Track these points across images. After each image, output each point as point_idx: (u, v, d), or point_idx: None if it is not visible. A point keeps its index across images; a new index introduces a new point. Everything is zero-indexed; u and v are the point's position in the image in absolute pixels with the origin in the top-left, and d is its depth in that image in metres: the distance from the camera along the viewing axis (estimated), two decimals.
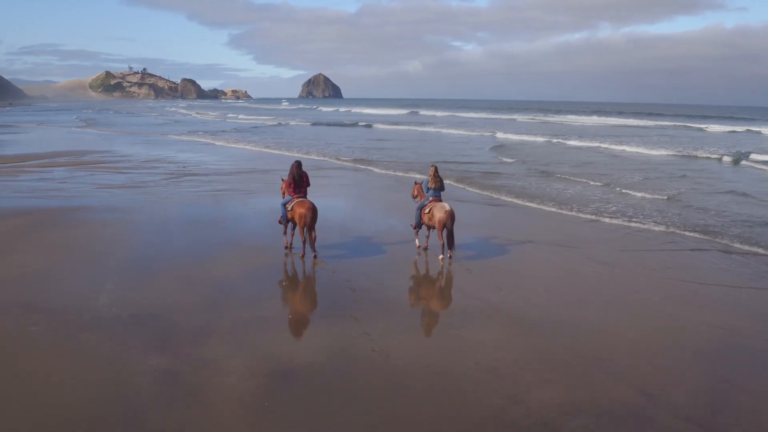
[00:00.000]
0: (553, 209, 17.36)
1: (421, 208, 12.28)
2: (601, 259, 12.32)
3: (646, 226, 15.12)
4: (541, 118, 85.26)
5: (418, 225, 12.49)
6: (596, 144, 40.28)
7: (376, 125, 64.73)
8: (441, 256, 11.88)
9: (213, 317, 8.73)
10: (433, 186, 12.29)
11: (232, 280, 10.50)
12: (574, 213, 16.82)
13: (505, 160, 30.44)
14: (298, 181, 11.84)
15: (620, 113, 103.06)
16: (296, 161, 12.26)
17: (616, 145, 39.41)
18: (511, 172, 25.61)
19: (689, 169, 27.67)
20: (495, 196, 19.66)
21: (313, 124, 67.98)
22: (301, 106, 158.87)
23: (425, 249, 12.54)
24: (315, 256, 11.59)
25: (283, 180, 12.48)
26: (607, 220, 15.91)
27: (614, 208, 17.30)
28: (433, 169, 12.49)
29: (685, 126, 65.69)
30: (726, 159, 31.42)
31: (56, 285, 10.11)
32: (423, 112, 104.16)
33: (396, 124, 66.71)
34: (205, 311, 8.98)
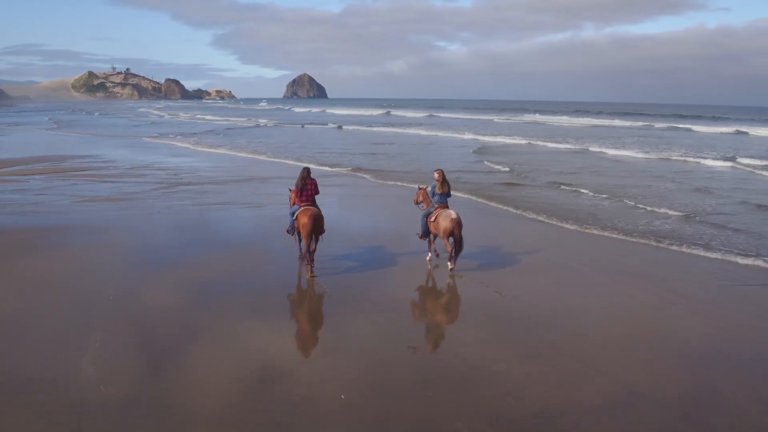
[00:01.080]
0: (596, 231, 14.71)
1: (427, 215, 11.53)
2: (702, 297, 10.16)
3: (718, 255, 12.51)
4: (526, 118, 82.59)
5: (425, 234, 11.70)
6: (585, 147, 37.88)
7: (346, 127, 61.16)
8: (450, 266, 11.06)
9: (244, 403, 6.42)
10: (440, 191, 11.46)
11: (259, 340, 8.17)
12: (630, 238, 14.02)
13: (495, 167, 27.25)
14: (302, 189, 11.03)
15: (605, 113, 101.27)
16: (305, 167, 11.41)
17: (607, 148, 36.97)
18: (514, 182, 22.79)
19: (699, 177, 25.14)
20: (518, 211, 17.16)
21: (303, 126, 65.42)
22: (278, 106, 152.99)
23: (437, 255, 11.85)
24: (311, 274, 10.62)
25: (290, 190, 11.71)
26: (665, 244, 13.44)
27: (667, 227, 15.04)
28: (439, 173, 11.54)
29: (673, 127, 63.59)
30: (728, 164, 29.46)
31: (24, 345, 7.70)
32: (404, 113, 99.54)
33: (371, 125, 62.96)
34: (233, 396, 6.65)
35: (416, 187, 13.14)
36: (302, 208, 10.88)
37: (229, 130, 55.46)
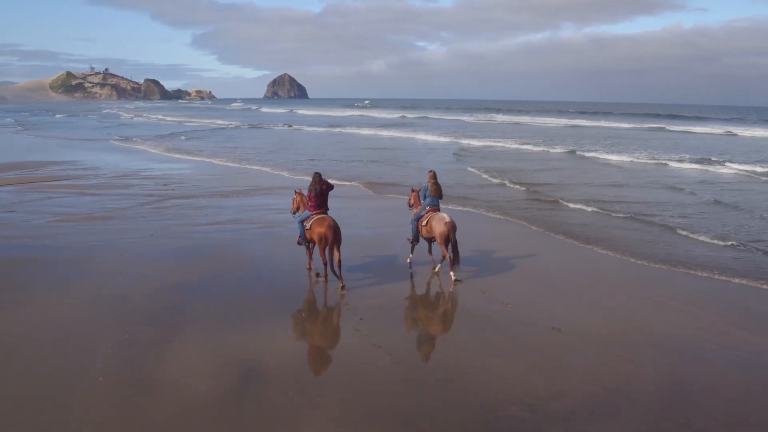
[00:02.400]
0: (670, 267, 12.12)
1: (418, 219, 10.84)
2: None
3: None
4: (508, 119, 78.30)
5: (416, 239, 11.04)
6: (581, 151, 34.22)
7: (318, 129, 56.90)
8: (453, 276, 10.34)
9: None
10: (434, 194, 10.83)
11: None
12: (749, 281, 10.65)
13: (487, 177, 23.34)
14: (318, 195, 10.08)
15: (588, 113, 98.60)
16: (317, 173, 10.33)
17: (606, 153, 33.22)
18: (539, 198, 18.81)
19: (721, 189, 21.41)
20: (576, 242, 13.99)
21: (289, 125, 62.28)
22: (248, 107, 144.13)
23: (433, 268, 11.01)
24: (342, 286, 9.72)
25: (296, 192, 11.05)
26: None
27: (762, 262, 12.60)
28: (432, 174, 11.02)
29: (661, 128, 60.28)
30: (735, 171, 26.44)
31: None
32: (385, 114, 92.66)
33: (345, 126, 58.14)
34: None
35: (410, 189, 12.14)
36: (317, 217, 9.93)
37: (196, 131, 51.17)
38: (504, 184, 21.69)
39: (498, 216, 16.15)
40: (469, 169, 25.88)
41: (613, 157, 31.64)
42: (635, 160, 30.89)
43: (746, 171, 26.44)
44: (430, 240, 10.85)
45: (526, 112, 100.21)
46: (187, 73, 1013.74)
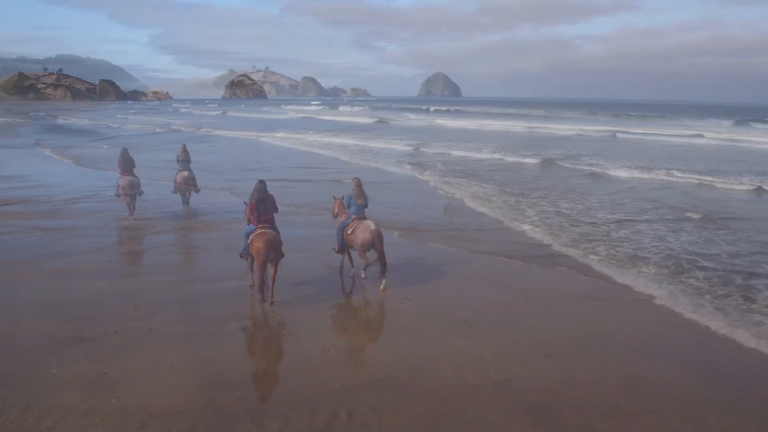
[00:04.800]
0: None
1: (344, 228, 10.13)
2: None
3: None
4: (468, 123, 68.91)
5: (342, 248, 10.26)
6: (548, 158, 28.89)
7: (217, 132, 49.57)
8: (382, 283, 9.72)
9: None
10: (360, 201, 10.09)
11: None
12: None
13: (475, 207, 17.09)
14: (260, 207, 8.97)
15: (552, 117, 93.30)
16: (260, 181, 9.24)
17: (589, 164, 27.27)
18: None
19: (753, 214, 17.53)
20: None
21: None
22: (180, 108, 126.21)
23: (352, 266, 10.41)
24: (272, 303, 8.78)
25: (246, 203, 9.55)
26: None
27: None
28: (356, 181, 10.21)
29: (633, 132, 52.85)
30: (749, 187, 21.88)
31: None
32: (331, 117, 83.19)
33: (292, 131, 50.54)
34: None
35: (332, 197, 11.40)
36: (258, 231, 9.03)
37: (130, 137, 43.37)
38: (502, 222, 15.18)
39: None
40: (442, 191, 20.51)
41: (610, 172, 25.35)
42: (639, 175, 24.61)
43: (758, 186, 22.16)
44: (354, 248, 10.09)
45: (490, 115, 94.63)
46: (144, 73, 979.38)
